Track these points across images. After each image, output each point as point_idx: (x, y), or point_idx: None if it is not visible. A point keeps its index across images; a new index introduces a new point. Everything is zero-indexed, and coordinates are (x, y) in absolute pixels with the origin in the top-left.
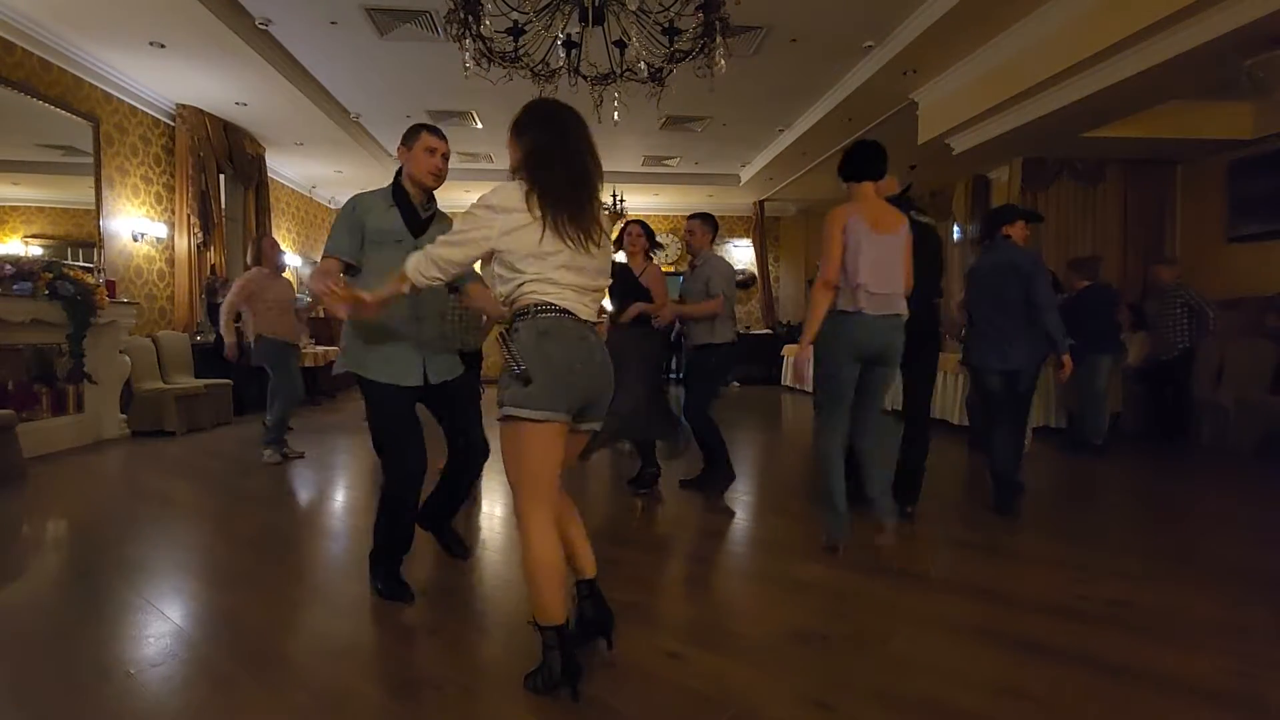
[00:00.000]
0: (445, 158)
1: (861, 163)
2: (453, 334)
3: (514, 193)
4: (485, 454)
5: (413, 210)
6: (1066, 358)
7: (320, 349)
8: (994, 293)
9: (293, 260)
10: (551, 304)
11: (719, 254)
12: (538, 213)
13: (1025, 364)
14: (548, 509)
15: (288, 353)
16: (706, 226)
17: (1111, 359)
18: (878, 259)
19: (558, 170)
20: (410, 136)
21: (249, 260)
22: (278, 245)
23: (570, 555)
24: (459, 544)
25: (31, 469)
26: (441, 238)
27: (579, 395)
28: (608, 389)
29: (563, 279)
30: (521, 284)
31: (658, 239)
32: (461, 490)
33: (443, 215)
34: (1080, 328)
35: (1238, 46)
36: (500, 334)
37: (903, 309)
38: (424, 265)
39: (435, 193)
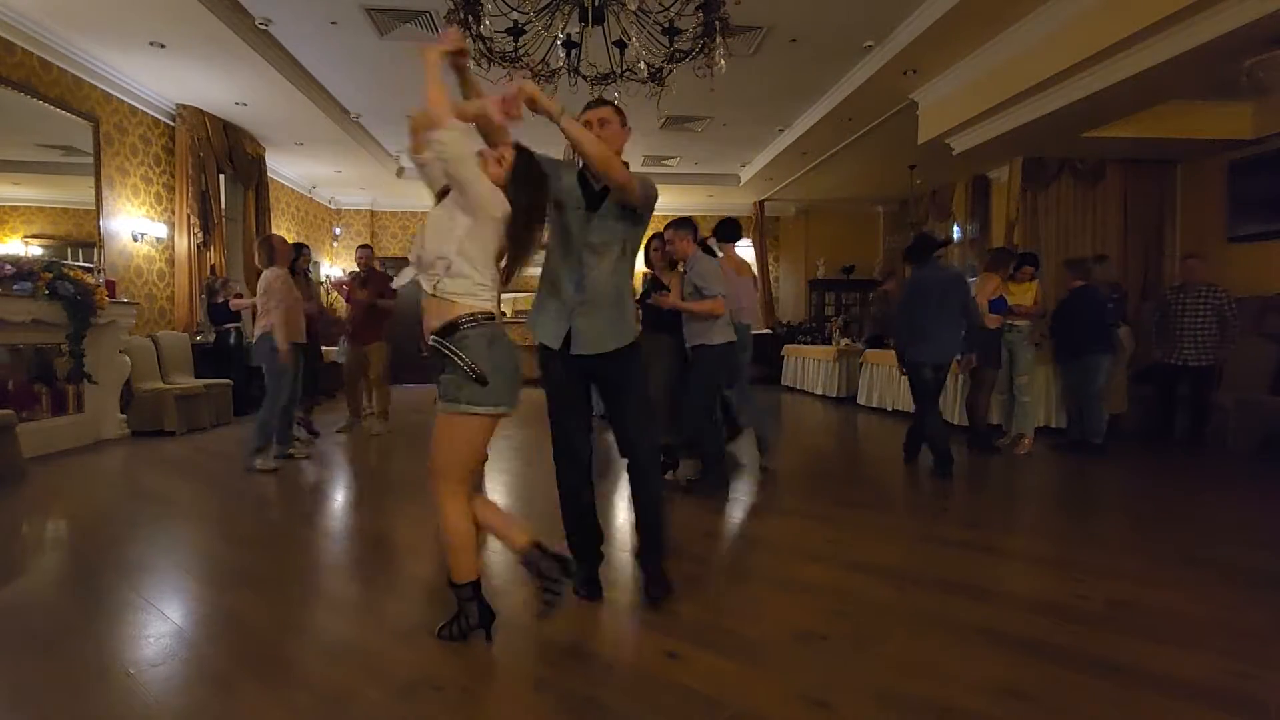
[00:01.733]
0: (604, 124)
1: (730, 232)
2: None
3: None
4: (654, 466)
5: (585, 180)
6: (970, 357)
7: (321, 348)
8: (933, 301)
9: None
10: (491, 312)
11: (704, 254)
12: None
13: (945, 358)
14: (465, 489)
15: (292, 354)
16: (682, 231)
17: (1110, 359)
18: (743, 292)
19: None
20: (582, 111)
21: (261, 261)
22: (287, 242)
23: (505, 531)
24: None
25: (31, 469)
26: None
27: (520, 389)
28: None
29: (494, 285)
30: (474, 286)
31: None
32: (641, 517)
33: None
34: (1072, 327)
35: (1238, 47)
36: (440, 342)
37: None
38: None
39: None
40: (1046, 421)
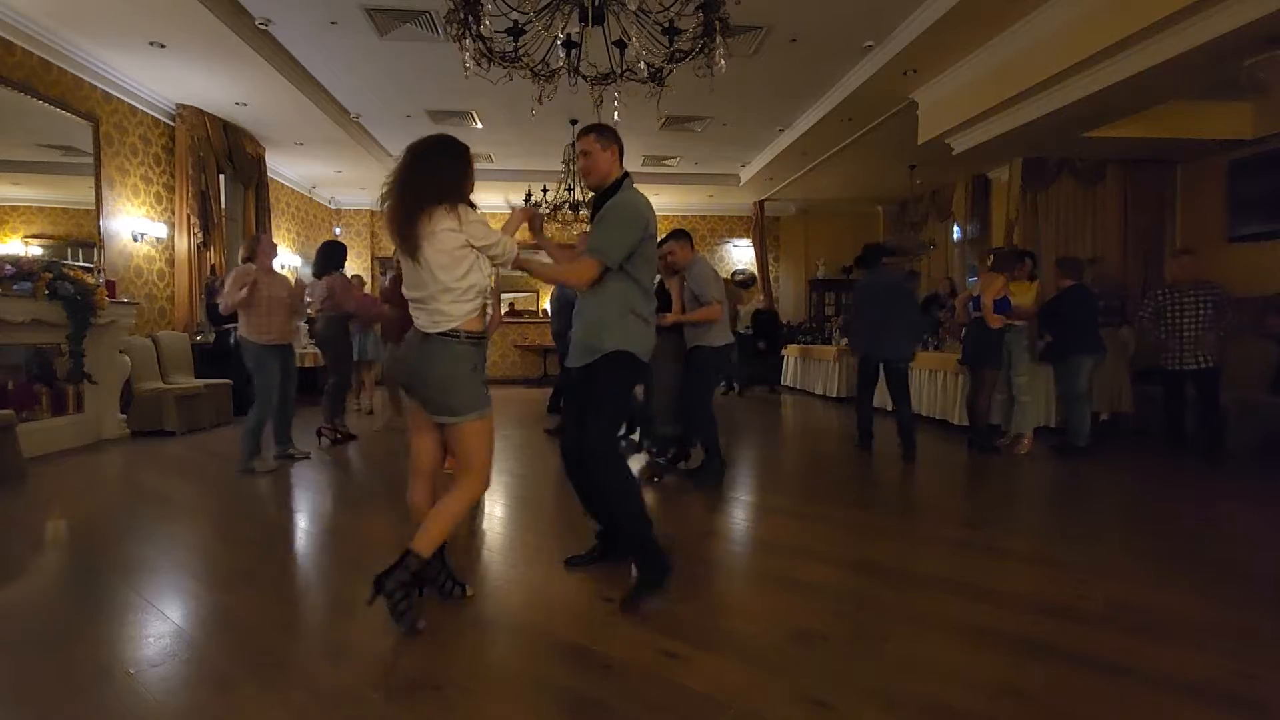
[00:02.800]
0: (586, 155)
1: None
2: None
3: None
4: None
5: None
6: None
7: (316, 350)
8: (883, 303)
9: (293, 260)
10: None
11: (701, 259)
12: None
13: (898, 354)
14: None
15: (269, 356)
16: (681, 243)
17: (1094, 360)
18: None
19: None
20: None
21: (241, 257)
22: (274, 243)
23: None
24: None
25: (31, 469)
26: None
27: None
28: (414, 385)
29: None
30: None
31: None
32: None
33: (611, 208)
34: (1060, 327)
35: (1238, 47)
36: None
37: None
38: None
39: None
40: (1046, 421)
